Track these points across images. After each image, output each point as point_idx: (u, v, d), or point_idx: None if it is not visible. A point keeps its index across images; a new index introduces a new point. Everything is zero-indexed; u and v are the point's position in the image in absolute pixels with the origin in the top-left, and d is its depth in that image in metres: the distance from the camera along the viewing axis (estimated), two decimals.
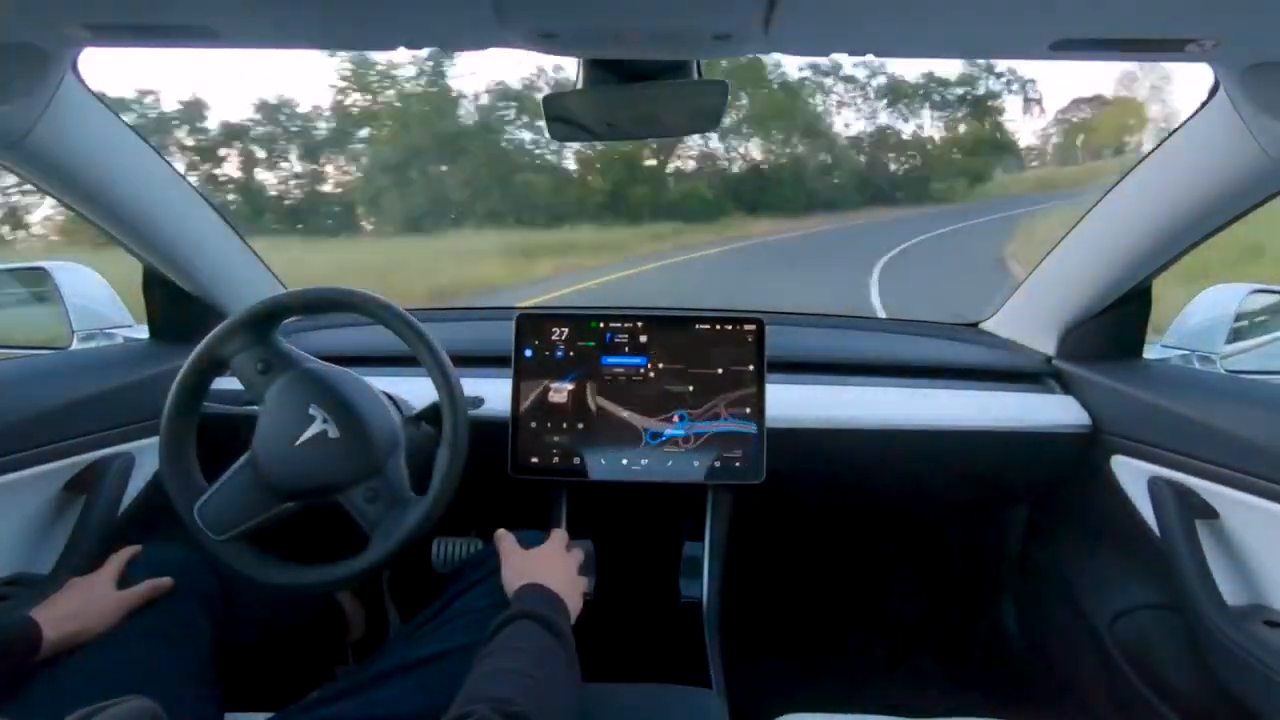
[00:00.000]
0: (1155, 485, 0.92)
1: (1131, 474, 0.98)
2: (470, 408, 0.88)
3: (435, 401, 0.84)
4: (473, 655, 0.63)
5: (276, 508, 0.80)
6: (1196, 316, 1.22)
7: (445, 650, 0.72)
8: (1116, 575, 1.04)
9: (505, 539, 0.81)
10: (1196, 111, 0.80)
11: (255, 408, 0.82)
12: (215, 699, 0.74)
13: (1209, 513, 0.86)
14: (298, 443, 0.79)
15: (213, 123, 18.74)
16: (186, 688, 0.71)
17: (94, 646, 0.69)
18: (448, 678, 0.64)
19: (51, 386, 0.90)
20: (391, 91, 20.00)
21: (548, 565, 0.77)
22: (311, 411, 0.80)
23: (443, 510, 0.80)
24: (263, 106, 19.81)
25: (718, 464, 0.99)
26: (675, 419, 1.01)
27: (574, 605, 0.75)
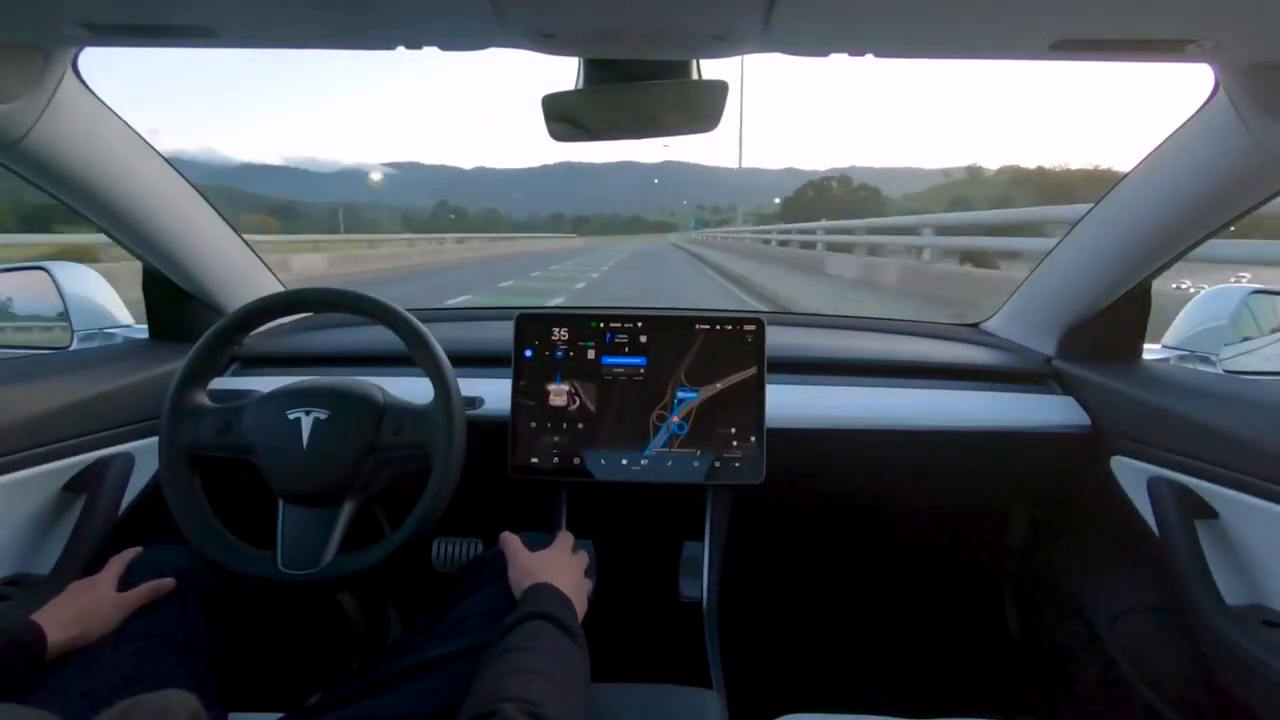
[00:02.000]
0: (1155, 485, 0.92)
1: (1131, 474, 0.98)
2: (469, 408, 0.88)
3: (433, 401, 0.85)
4: (481, 657, 0.63)
5: (342, 513, 0.81)
6: (1196, 317, 1.22)
7: (453, 653, 0.71)
8: (1116, 575, 1.04)
9: (511, 540, 0.81)
10: (1196, 111, 0.80)
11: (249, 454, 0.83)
12: (216, 700, 0.74)
13: (1209, 513, 0.86)
14: (305, 445, 0.80)
15: None
16: (188, 689, 0.71)
17: (96, 648, 0.69)
18: (457, 680, 0.64)
19: (51, 386, 0.90)
20: None
21: (555, 566, 0.77)
22: (292, 415, 0.81)
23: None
24: None
25: (717, 464, 0.99)
26: (675, 419, 1.01)
27: (581, 606, 0.75)
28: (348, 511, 0.82)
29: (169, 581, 0.77)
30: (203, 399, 0.86)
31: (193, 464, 0.82)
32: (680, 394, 1.01)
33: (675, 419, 1.00)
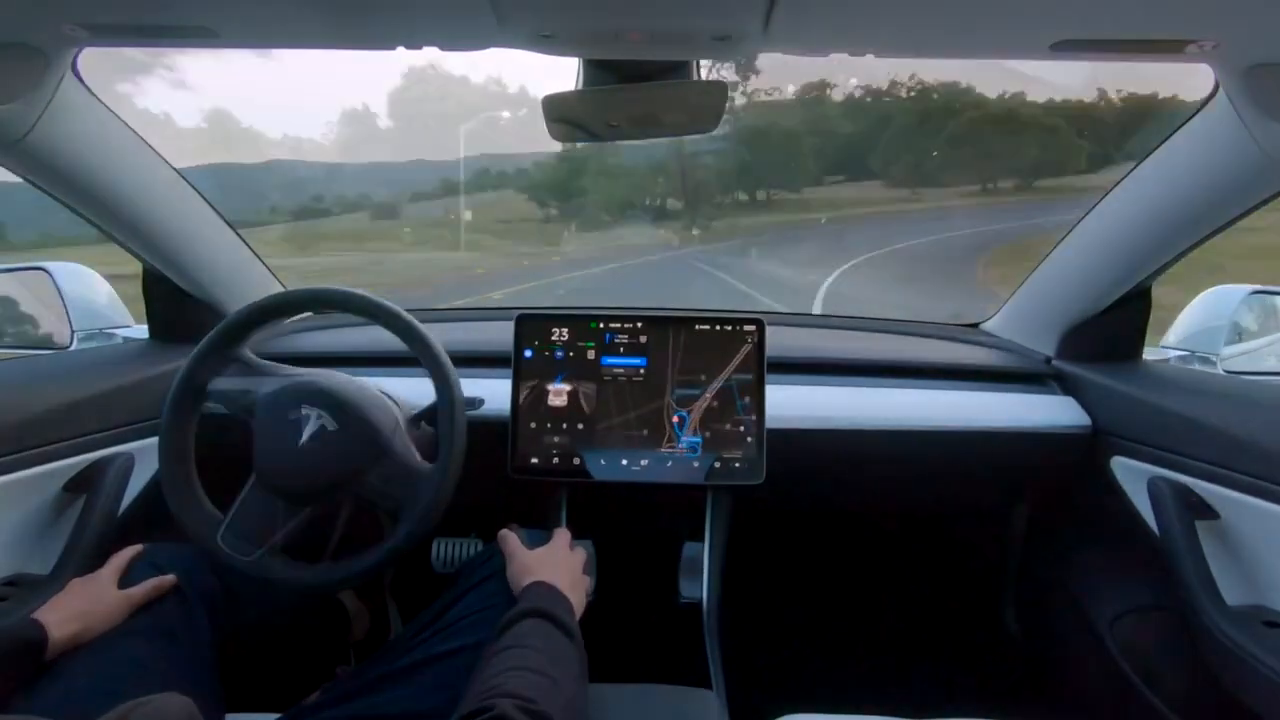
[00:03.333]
0: (1155, 485, 0.92)
1: (1131, 474, 0.98)
2: (470, 408, 0.88)
3: (434, 401, 0.85)
4: (479, 654, 0.63)
5: (296, 516, 0.80)
6: (1196, 317, 1.22)
7: (451, 650, 0.72)
8: (1116, 575, 1.04)
9: (510, 538, 0.81)
10: (1196, 112, 0.80)
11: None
12: (216, 699, 0.74)
13: (1209, 513, 0.86)
14: (300, 444, 0.79)
15: None
16: (187, 687, 0.71)
17: (97, 646, 0.69)
18: (455, 677, 0.65)
19: (51, 386, 0.90)
20: None
21: (553, 564, 0.77)
22: (304, 411, 0.80)
23: (455, 483, 0.81)
24: None
25: (717, 465, 0.99)
26: (675, 420, 1.00)
27: (579, 603, 0.75)
28: (301, 517, 0.81)
29: (170, 578, 0.77)
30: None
31: (199, 402, 0.83)
32: (680, 394, 1.01)
33: (675, 419, 1.00)
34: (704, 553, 1.03)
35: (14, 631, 0.66)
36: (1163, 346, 1.20)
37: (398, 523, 0.80)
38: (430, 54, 0.66)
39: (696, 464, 1.00)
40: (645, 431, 1.00)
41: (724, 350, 1.01)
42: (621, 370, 1.02)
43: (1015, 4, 0.55)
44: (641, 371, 1.01)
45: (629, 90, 0.74)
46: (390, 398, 0.89)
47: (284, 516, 0.80)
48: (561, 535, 0.84)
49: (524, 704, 0.52)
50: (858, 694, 1.28)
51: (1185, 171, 0.85)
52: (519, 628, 0.64)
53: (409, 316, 0.85)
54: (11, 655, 0.64)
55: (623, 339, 1.02)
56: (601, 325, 1.02)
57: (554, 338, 1.02)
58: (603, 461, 1.00)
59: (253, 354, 0.89)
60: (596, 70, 0.73)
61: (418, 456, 0.83)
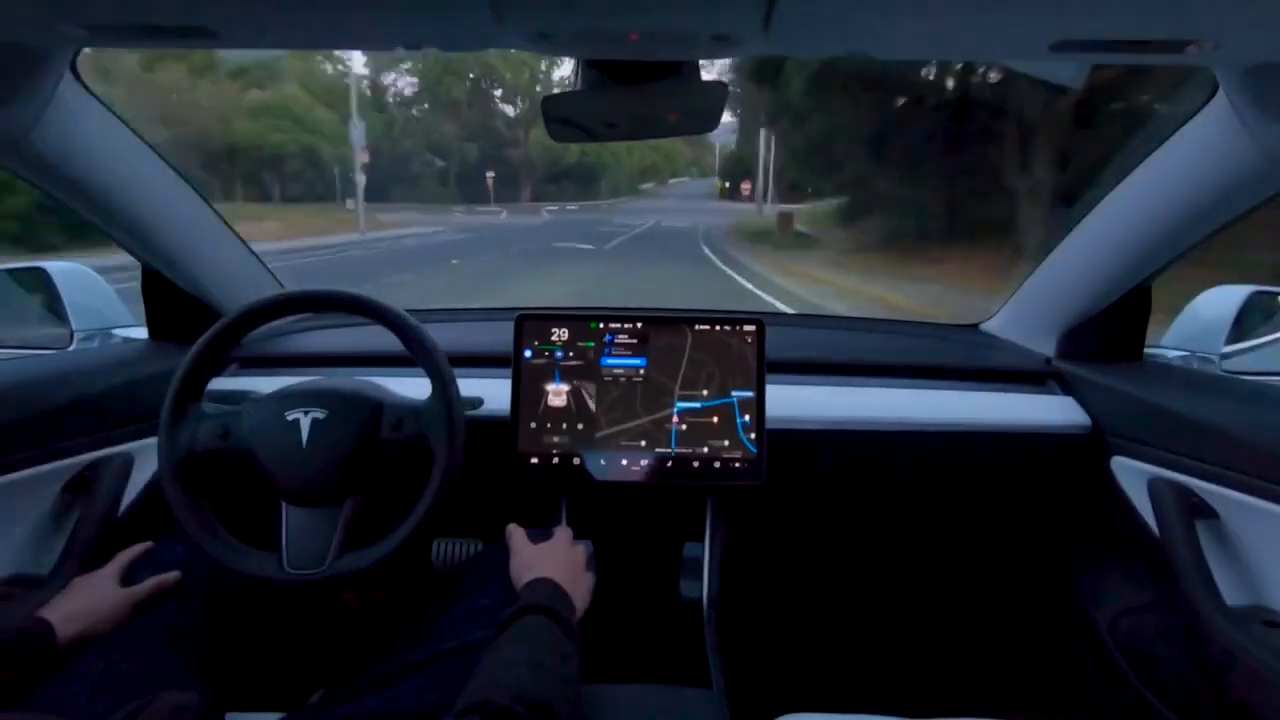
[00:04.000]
0: (1155, 485, 0.92)
1: (1131, 474, 0.98)
2: (469, 408, 0.88)
3: (430, 398, 0.85)
4: (480, 653, 0.63)
5: (343, 512, 0.81)
6: (1196, 317, 1.22)
7: (453, 649, 0.72)
8: (1116, 575, 1.04)
9: (516, 533, 0.81)
10: (1196, 112, 0.80)
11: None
12: (217, 698, 0.74)
13: (1209, 513, 0.86)
14: (304, 446, 0.80)
15: None
16: (189, 686, 0.71)
17: (100, 645, 0.70)
18: (457, 675, 0.65)
19: (51, 386, 0.90)
20: None
21: (556, 560, 0.78)
22: (290, 417, 0.82)
23: (462, 413, 0.82)
24: None
25: (717, 465, 0.99)
26: (675, 420, 1.00)
27: (582, 599, 0.75)
28: (349, 509, 0.81)
29: (173, 576, 0.77)
30: (201, 404, 0.86)
31: (193, 469, 0.82)
32: (680, 394, 1.01)
33: (675, 420, 1.00)
34: (704, 552, 1.03)
35: (20, 630, 0.66)
36: (1162, 346, 1.20)
37: (431, 456, 0.81)
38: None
39: (696, 464, 1.00)
40: (645, 432, 1.00)
41: (724, 350, 1.01)
42: (621, 370, 1.02)
43: (1015, 4, 0.54)
44: (641, 372, 1.01)
45: (628, 91, 0.74)
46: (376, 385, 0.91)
47: (330, 518, 0.81)
48: (563, 532, 0.85)
49: (521, 697, 0.53)
50: (858, 694, 1.28)
51: (1185, 171, 0.85)
52: (519, 624, 0.65)
53: (407, 316, 0.85)
54: (18, 653, 0.65)
55: (623, 339, 1.02)
56: (602, 325, 1.02)
57: (554, 338, 1.02)
58: (603, 462, 1.00)
59: (211, 401, 0.88)
60: (595, 70, 0.73)
61: (411, 397, 0.86)
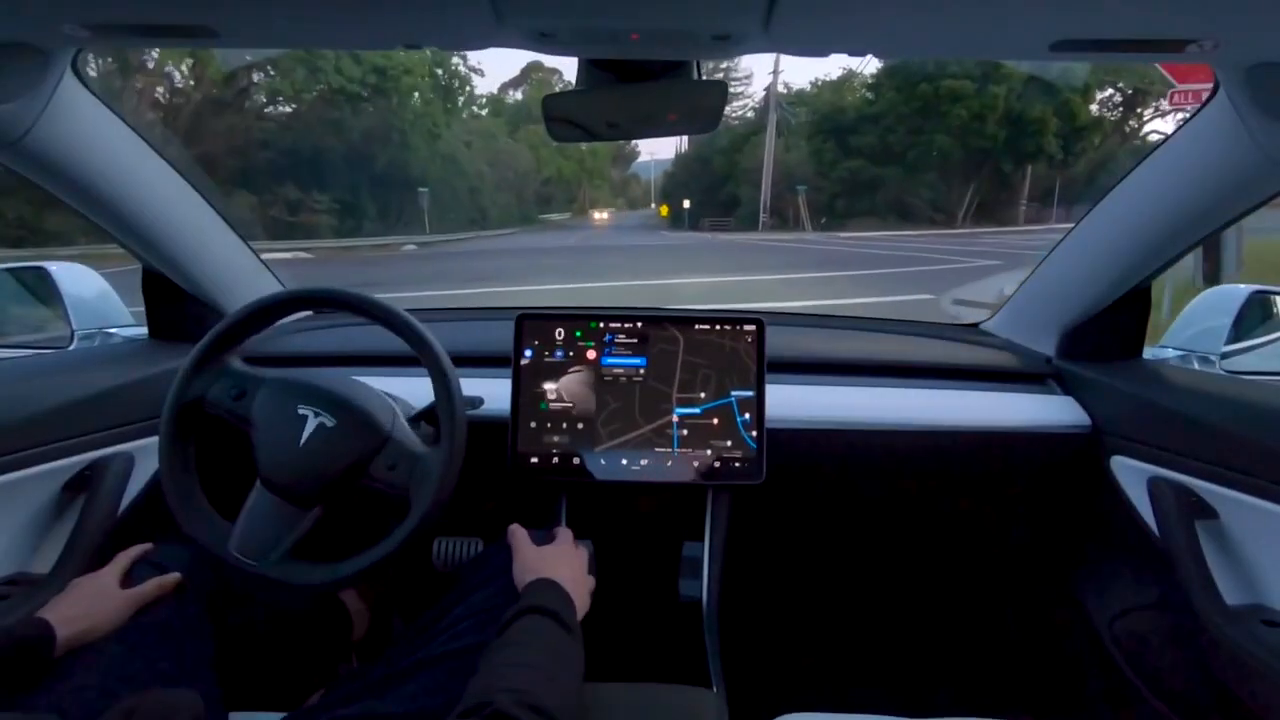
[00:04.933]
0: (1155, 485, 0.92)
1: (1131, 474, 0.98)
2: (469, 408, 0.88)
3: (434, 401, 0.84)
4: (482, 654, 0.63)
5: (307, 517, 0.80)
6: (1197, 317, 1.22)
7: (454, 650, 0.72)
8: (1116, 575, 1.04)
9: (518, 533, 0.81)
10: (1196, 112, 0.80)
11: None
12: (218, 698, 0.74)
13: (1209, 513, 0.86)
14: (301, 444, 0.79)
15: None
16: (189, 686, 0.71)
17: (101, 645, 0.69)
18: (458, 677, 0.65)
19: (51, 386, 0.90)
20: None
21: (557, 560, 0.78)
22: (301, 411, 0.81)
23: (459, 465, 0.81)
24: None
25: (717, 465, 0.99)
26: (675, 420, 1.00)
27: (583, 600, 0.75)
28: (310, 519, 0.80)
29: (174, 577, 0.77)
30: (228, 359, 0.86)
31: (194, 416, 0.82)
32: (680, 394, 1.01)
33: (675, 419, 1.00)
34: (704, 552, 1.03)
35: (21, 630, 0.66)
36: (1162, 346, 1.20)
37: (409, 507, 0.80)
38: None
39: (696, 464, 1.00)
40: (645, 431, 1.00)
41: (724, 350, 1.01)
42: (621, 370, 1.02)
43: (1015, 4, 0.54)
44: (641, 372, 1.01)
45: (629, 90, 0.74)
46: (389, 396, 0.89)
47: (292, 519, 0.80)
48: (564, 533, 0.85)
49: (522, 697, 0.53)
50: (858, 694, 1.28)
51: (1185, 171, 0.85)
52: (520, 624, 0.65)
53: (408, 316, 0.85)
54: (18, 654, 0.64)
55: (623, 339, 1.02)
56: (602, 325, 1.02)
57: (554, 338, 1.02)
58: (603, 461, 1.00)
59: (244, 362, 0.88)
60: (596, 69, 0.73)
61: (420, 442, 0.84)
